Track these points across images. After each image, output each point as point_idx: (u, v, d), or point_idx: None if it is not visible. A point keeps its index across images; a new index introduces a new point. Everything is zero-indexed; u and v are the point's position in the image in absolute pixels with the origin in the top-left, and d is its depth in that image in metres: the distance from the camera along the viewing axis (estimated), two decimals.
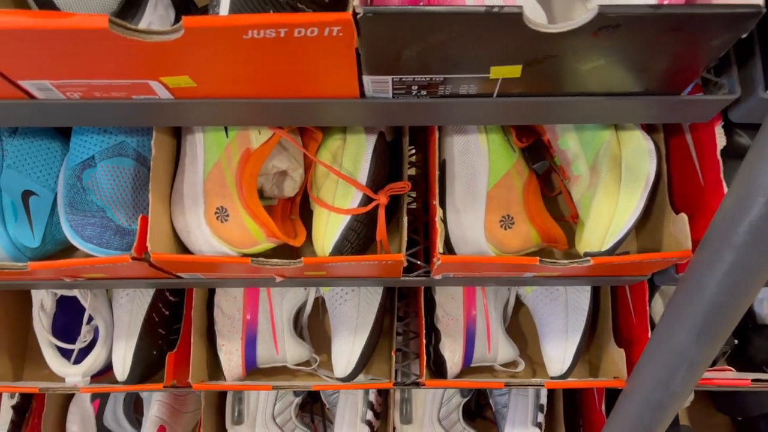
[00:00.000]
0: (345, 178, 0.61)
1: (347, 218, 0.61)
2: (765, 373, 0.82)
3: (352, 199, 0.61)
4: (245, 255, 0.63)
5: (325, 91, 0.51)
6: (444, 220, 0.63)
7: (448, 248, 0.64)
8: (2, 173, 0.63)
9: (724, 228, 0.50)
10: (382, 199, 0.62)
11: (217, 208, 0.61)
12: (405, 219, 0.61)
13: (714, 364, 0.82)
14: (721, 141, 0.60)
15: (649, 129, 0.66)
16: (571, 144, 0.63)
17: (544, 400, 0.95)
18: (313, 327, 0.89)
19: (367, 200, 0.62)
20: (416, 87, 0.50)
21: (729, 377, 0.80)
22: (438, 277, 0.66)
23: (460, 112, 0.53)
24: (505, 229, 0.63)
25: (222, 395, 0.94)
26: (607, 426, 0.66)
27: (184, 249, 0.65)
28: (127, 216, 0.63)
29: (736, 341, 0.85)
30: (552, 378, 0.79)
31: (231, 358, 0.78)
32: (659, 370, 0.55)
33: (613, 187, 0.59)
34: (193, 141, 0.63)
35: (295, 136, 0.63)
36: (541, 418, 0.94)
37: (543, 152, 0.67)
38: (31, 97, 0.51)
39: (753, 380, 0.80)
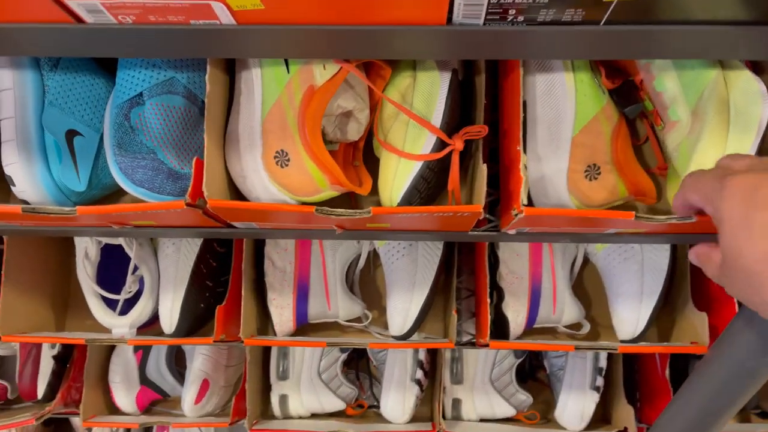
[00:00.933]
0: (418, 120, 0.55)
1: (419, 165, 0.55)
2: None
3: (424, 144, 0.56)
4: (307, 203, 0.58)
5: (407, 16, 0.45)
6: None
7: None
8: (44, 111, 0.59)
9: None
10: (458, 143, 0.56)
11: (277, 152, 0.56)
12: (484, 165, 0.55)
13: None
14: None
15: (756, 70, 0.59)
16: (669, 85, 0.56)
17: (603, 363, 0.91)
18: (364, 282, 0.85)
19: (441, 145, 0.56)
20: (514, 11, 0.43)
21: None
22: (512, 232, 0.61)
23: (560, 42, 0.46)
24: (591, 179, 0.57)
25: (267, 350, 0.91)
26: (685, 392, 0.61)
27: (238, 195, 0.60)
28: (179, 159, 0.58)
29: None
30: (622, 341, 0.74)
31: (282, 312, 0.74)
32: (756, 337, 0.50)
33: (721, 132, 0.52)
34: (250, 77, 0.58)
35: (361, 72, 0.57)
36: (600, 381, 0.90)
37: (635, 95, 0.60)
38: (80, 21, 0.45)
39: None
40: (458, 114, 0.59)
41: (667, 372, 0.87)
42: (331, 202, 0.62)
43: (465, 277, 0.87)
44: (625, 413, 0.89)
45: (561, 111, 0.57)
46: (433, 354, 0.93)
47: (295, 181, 0.56)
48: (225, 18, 0.45)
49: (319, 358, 0.92)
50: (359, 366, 1.00)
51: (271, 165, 0.56)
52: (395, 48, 0.49)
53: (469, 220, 0.58)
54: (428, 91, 0.57)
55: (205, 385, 0.91)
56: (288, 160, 0.56)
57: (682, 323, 0.76)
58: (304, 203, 0.58)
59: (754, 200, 0.34)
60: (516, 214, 0.54)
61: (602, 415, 0.97)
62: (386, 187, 0.57)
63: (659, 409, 0.89)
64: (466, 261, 0.87)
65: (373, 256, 0.84)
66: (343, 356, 0.93)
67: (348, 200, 0.66)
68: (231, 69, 0.61)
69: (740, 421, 0.90)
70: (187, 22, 0.46)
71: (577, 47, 0.48)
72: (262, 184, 0.57)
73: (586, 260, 0.80)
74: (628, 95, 0.59)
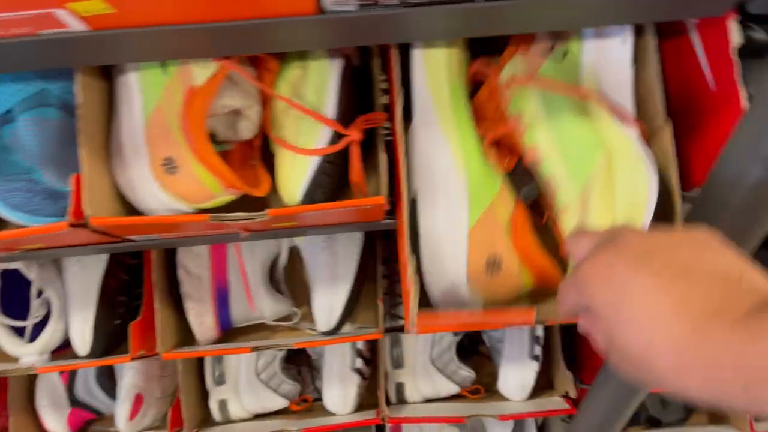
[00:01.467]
0: (308, 112, 0.52)
1: (316, 159, 0.53)
2: None
3: (319, 137, 0.53)
4: (203, 211, 0.55)
5: (274, 8, 0.42)
6: (417, 262, 0.54)
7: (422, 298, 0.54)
8: None
9: (751, 137, 0.43)
10: (354, 134, 0.53)
11: (164, 159, 0.52)
12: (383, 156, 0.53)
13: None
14: (735, 37, 0.53)
15: (638, 32, 0.58)
16: (555, 169, 0.53)
17: (540, 333, 0.91)
18: (292, 279, 0.83)
19: (337, 137, 0.53)
20: None
21: None
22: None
23: (437, 21, 0.44)
24: (492, 274, 0.53)
25: (200, 357, 0.88)
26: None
27: (130, 207, 0.57)
28: (60, 176, 0.54)
29: None
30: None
31: (203, 321, 0.71)
32: None
33: (607, 222, 0.50)
34: (127, 82, 0.54)
35: (246, 68, 0.54)
36: (538, 350, 0.90)
37: (530, 173, 0.55)
38: None
39: None
40: (355, 103, 0.57)
41: None
42: (238, 205, 0.59)
43: (396, 261, 0.85)
44: (565, 379, 0.90)
45: (453, 203, 0.53)
46: (373, 341, 0.92)
47: (187, 188, 0.53)
48: (75, 25, 0.41)
49: (255, 358, 0.89)
50: (300, 360, 0.98)
51: (159, 173, 0.53)
52: (270, 40, 0.46)
53: (375, 212, 0.56)
54: (319, 82, 0.54)
55: (138, 400, 0.88)
56: (176, 167, 0.52)
57: None
58: (202, 210, 0.55)
59: (614, 289, 0.31)
60: (411, 327, 0.52)
61: (546, 381, 0.98)
62: (285, 185, 0.54)
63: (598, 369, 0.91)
64: (395, 244, 0.86)
65: (298, 252, 0.81)
66: (282, 353, 0.91)
67: (255, 200, 0.63)
68: (109, 73, 0.57)
69: None
70: (35, 33, 0.42)
71: (457, 24, 0.45)
72: (153, 194, 0.54)
73: None
74: (523, 175, 0.55)
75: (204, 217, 0.50)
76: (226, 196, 0.54)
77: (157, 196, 0.54)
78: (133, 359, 0.68)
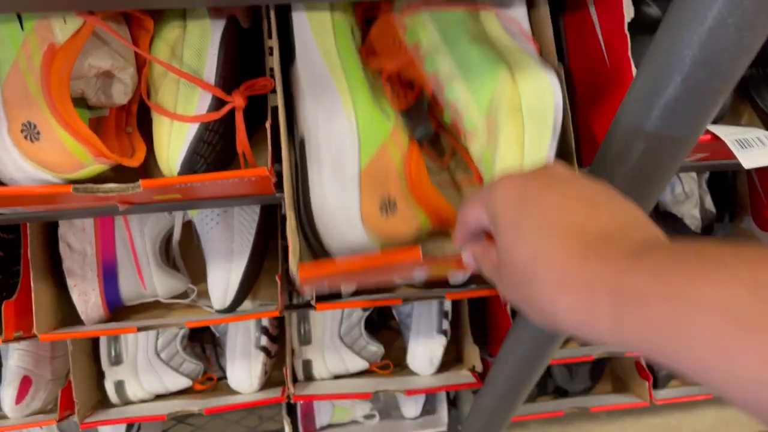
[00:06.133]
0: (186, 77, 0.49)
1: (195, 127, 0.49)
2: None
3: (198, 103, 0.49)
4: (73, 181, 0.51)
5: None
6: (308, 212, 0.51)
7: (316, 240, 0.52)
8: None
9: (634, 112, 0.43)
10: (237, 100, 0.50)
11: (24, 124, 0.47)
12: (267, 123, 0.50)
13: None
14: (628, 12, 0.52)
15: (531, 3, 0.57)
16: (459, 94, 0.51)
17: (448, 307, 0.91)
18: (190, 254, 0.79)
19: (219, 103, 0.50)
20: None
21: None
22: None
23: None
24: (387, 215, 0.51)
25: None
26: (514, 327, 0.61)
27: None
28: None
29: None
30: (452, 286, 0.73)
31: (87, 299, 0.67)
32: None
33: (517, 137, 0.48)
34: None
35: (117, 25, 0.49)
36: (446, 325, 0.91)
37: (424, 114, 0.54)
38: None
39: None
40: (241, 66, 0.53)
41: (509, 308, 0.89)
42: (117, 173, 0.55)
43: None
44: (472, 352, 0.91)
45: (343, 145, 0.50)
46: (279, 317, 0.90)
47: (52, 156, 0.48)
48: None
49: (155, 336, 0.85)
50: (204, 338, 0.95)
51: (20, 140, 0.48)
52: None
53: (263, 184, 0.53)
54: (199, 43, 0.50)
55: (26, 382, 0.82)
56: (38, 133, 0.48)
57: None
58: (72, 180, 0.51)
59: (523, 199, 0.32)
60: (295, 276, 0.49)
61: (456, 355, 0.98)
62: (162, 154, 0.51)
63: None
64: None
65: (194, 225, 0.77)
66: (183, 331, 0.87)
67: (138, 170, 0.58)
68: None
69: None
70: None
71: None
72: (15, 163, 0.49)
73: None
74: (417, 116, 0.54)
75: (66, 189, 0.46)
76: (97, 166, 0.50)
77: (18, 164, 0.49)
78: (6, 341, 0.63)
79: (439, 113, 0.56)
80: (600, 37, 0.57)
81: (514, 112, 0.48)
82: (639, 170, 0.44)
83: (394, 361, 0.95)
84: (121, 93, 0.51)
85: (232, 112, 0.51)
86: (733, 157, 0.52)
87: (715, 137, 0.53)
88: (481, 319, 0.99)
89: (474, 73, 0.50)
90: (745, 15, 0.34)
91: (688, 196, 0.78)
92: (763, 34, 0.35)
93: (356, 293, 0.74)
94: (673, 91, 0.39)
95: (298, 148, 0.51)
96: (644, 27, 0.55)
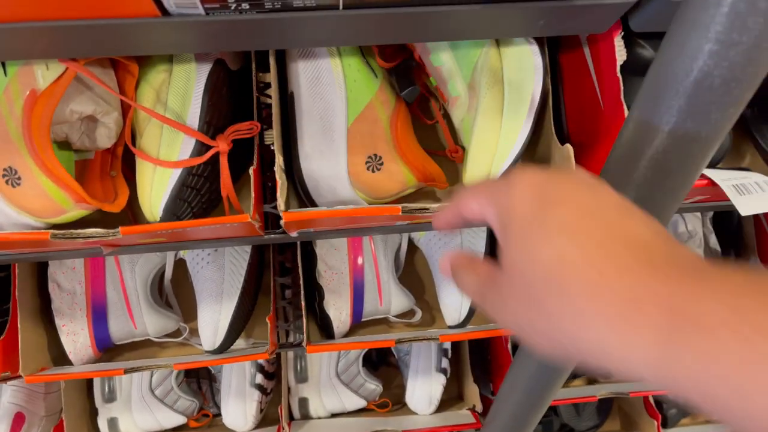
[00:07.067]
0: (168, 122, 0.48)
1: (178, 172, 0.49)
2: None
3: (182, 148, 0.49)
4: (56, 226, 0.50)
5: (113, 8, 0.37)
6: (297, 167, 0.52)
7: (307, 198, 0.53)
8: None
9: (623, 162, 0.41)
10: (221, 145, 0.49)
11: (5, 169, 0.47)
12: (251, 169, 0.49)
13: None
14: (621, 54, 0.51)
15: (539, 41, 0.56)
16: (445, 59, 0.52)
17: (447, 345, 0.89)
18: (184, 291, 0.78)
19: (203, 147, 0.49)
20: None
21: None
22: (294, 234, 0.56)
23: (298, 30, 0.41)
24: (374, 171, 0.52)
25: None
26: (514, 365, 0.59)
27: None
28: None
29: None
30: (450, 327, 0.72)
31: (76, 339, 0.66)
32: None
33: (496, 107, 0.49)
34: None
35: (103, 70, 0.49)
36: (445, 363, 0.88)
37: (414, 74, 0.55)
38: None
39: None
40: (226, 110, 0.53)
41: (510, 346, 0.87)
42: (104, 217, 0.54)
43: (296, 273, 0.81)
44: (472, 391, 0.88)
45: (331, 101, 0.51)
46: (276, 354, 0.88)
47: (33, 201, 0.48)
48: None
49: (149, 374, 0.84)
50: (200, 374, 0.93)
51: (1, 185, 0.48)
52: (112, 43, 0.41)
53: (247, 228, 0.52)
54: (183, 87, 0.50)
55: (19, 419, 0.81)
56: (19, 178, 0.47)
57: None
58: (55, 225, 0.50)
59: (547, 197, 0.27)
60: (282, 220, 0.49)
61: (457, 394, 0.96)
62: (145, 200, 0.50)
63: None
64: (294, 256, 0.82)
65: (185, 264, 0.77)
66: None
67: (121, 214, 0.58)
68: None
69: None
70: None
71: (320, 34, 0.42)
72: None
73: (416, 245, 0.77)
74: (405, 76, 0.54)
75: (44, 235, 0.46)
76: (78, 211, 0.49)
77: (2, 209, 0.49)
78: None
79: (425, 77, 0.57)
80: (594, 78, 0.56)
81: (495, 84, 0.49)
82: None
83: (394, 398, 0.92)
84: (104, 137, 0.50)
85: (216, 156, 0.50)
86: None
87: (713, 182, 0.51)
88: (484, 356, 0.97)
89: (461, 42, 0.51)
90: (731, 68, 0.33)
91: (692, 236, 0.76)
92: (752, 88, 0.34)
93: (348, 335, 0.73)
94: (660, 142, 0.37)
95: (288, 103, 0.51)
96: (638, 68, 0.54)
